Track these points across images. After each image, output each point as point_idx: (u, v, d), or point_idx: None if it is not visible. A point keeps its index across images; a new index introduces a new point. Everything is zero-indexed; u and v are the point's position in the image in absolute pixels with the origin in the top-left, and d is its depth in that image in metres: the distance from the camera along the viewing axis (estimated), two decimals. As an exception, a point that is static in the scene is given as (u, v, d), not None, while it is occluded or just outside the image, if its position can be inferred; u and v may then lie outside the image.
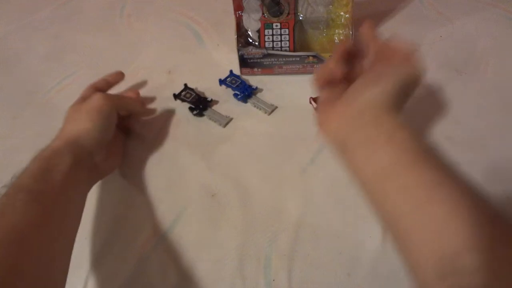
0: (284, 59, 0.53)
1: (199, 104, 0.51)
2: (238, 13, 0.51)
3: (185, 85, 0.53)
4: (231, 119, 0.51)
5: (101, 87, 0.49)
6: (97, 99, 0.43)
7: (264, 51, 0.52)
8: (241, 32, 0.52)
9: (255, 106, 0.52)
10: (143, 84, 0.57)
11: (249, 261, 0.40)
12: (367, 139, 0.30)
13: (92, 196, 0.44)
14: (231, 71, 0.54)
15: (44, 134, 0.52)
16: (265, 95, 0.53)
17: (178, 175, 0.46)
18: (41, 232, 0.32)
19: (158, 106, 0.53)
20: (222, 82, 0.53)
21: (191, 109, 0.51)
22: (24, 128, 0.53)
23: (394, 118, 0.30)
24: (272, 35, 0.52)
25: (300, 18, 0.52)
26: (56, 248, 0.33)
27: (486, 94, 0.52)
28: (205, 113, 0.51)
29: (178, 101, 0.53)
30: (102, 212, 0.44)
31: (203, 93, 0.54)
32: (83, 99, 0.45)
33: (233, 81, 0.53)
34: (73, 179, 0.37)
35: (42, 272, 0.30)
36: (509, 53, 0.56)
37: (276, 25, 0.51)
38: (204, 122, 0.51)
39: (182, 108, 0.53)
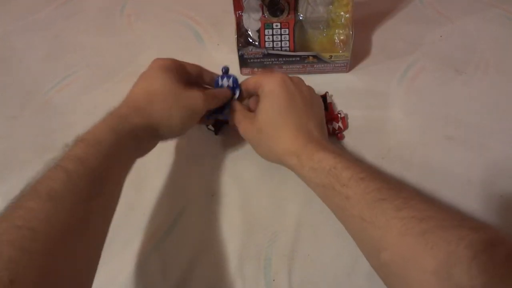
0: (284, 59, 0.53)
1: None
2: (238, 13, 0.51)
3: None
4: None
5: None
6: (160, 59, 0.41)
7: (264, 51, 0.52)
8: (241, 32, 0.52)
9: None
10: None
11: (249, 261, 0.40)
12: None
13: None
14: (224, 69, 0.47)
15: (44, 134, 0.52)
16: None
17: (178, 175, 0.46)
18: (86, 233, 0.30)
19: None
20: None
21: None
22: (24, 128, 0.53)
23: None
24: (272, 35, 0.52)
25: (300, 18, 0.52)
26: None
27: (486, 94, 0.52)
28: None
29: None
30: (102, 212, 0.44)
31: None
32: None
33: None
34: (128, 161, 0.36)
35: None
36: (509, 53, 0.56)
37: (276, 25, 0.51)
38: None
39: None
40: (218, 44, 0.61)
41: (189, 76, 0.43)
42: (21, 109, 0.55)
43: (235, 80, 0.45)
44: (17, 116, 0.54)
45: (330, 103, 0.50)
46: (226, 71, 0.46)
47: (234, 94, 0.45)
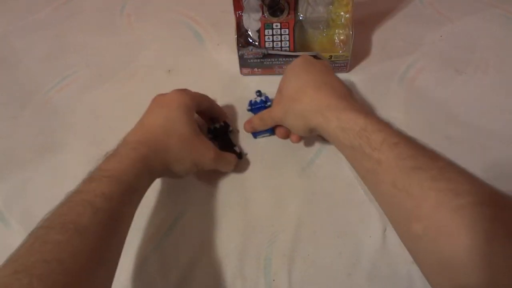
0: (284, 59, 0.53)
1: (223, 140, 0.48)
2: (238, 13, 0.51)
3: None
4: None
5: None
6: (181, 95, 0.42)
7: (264, 51, 0.52)
8: (241, 32, 0.52)
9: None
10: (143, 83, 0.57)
11: (249, 261, 0.40)
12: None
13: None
14: (258, 93, 0.51)
15: (44, 134, 0.52)
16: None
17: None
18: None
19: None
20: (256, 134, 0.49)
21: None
22: (24, 128, 0.53)
23: None
24: (272, 35, 0.52)
25: (300, 18, 0.52)
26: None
27: (486, 94, 0.52)
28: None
29: None
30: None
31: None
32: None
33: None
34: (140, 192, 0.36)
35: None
36: (509, 53, 0.56)
37: (276, 25, 0.51)
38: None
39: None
40: (218, 44, 0.61)
41: (200, 108, 0.45)
42: (21, 109, 0.55)
43: (267, 97, 0.50)
44: (17, 116, 0.54)
45: None
46: (260, 94, 0.51)
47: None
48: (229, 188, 0.45)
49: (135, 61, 0.60)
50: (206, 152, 0.40)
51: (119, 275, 0.39)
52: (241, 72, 0.56)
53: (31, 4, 0.71)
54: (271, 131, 0.47)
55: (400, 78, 0.54)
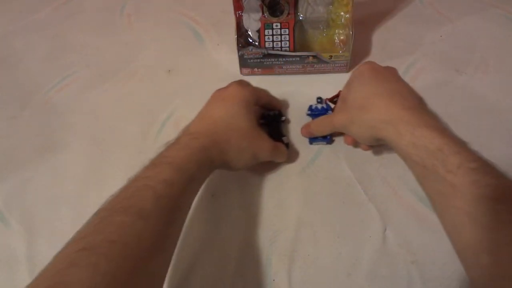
0: (284, 59, 0.53)
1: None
2: (238, 13, 0.51)
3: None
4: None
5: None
6: (242, 89, 0.42)
7: (264, 51, 0.52)
8: (241, 32, 0.52)
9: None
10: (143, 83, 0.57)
11: (249, 261, 0.40)
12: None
13: (92, 196, 0.44)
14: (320, 100, 0.51)
15: (44, 134, 0.52)
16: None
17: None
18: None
19: (158, 104, 0.53)
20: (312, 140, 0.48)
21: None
22: (24, 128, 0.53)
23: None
24: (272, 35, 0.52)
25: (300, 18, 0.52)
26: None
27: (486, 94, 0.52)
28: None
29: (173, 98, 0.53)
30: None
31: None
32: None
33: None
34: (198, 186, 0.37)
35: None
36: (509, 53, 0.56)
37: (276, 25, 0.51)
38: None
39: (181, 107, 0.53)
40: (218, 44, 0.61)
41: (259, 103, 0.46)
42: (21, 109, 0.55)
43: (328, 105, 0.50)
44: (17, 116, 0.54)
45: None
46: (321, 101, 0.51)
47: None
48: (229, 188, 0.45)
49: (135, 61, 0.60)
50: (264, 144, 0.42)
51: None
52: (241, 72, 0.56)
53: (31, 4, 0.71)
54: (329, 139, 0.47)
55: (400, 78, 0.54)
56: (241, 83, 0.44)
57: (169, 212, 0.31)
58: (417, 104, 0.37)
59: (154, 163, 0.34)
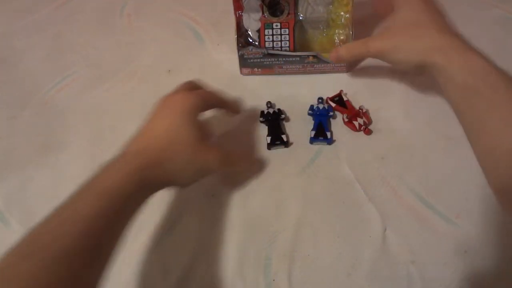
0: (284, 59, 0.53)
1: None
2: (238, 13, 0.51)
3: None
4: None
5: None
6: (186, 97, 0.39)
7: (264, 51, 0.52)
8: (241, 32, 0.52)
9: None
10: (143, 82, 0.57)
11: (249, 261, 0.40)
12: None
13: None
14: (321, 100, 0.51)
15: (44, 134, 0.52)
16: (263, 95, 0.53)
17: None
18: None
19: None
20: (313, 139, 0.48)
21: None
22: (24, 128, 0.53)
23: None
24: (272, 35, 0.52)
25: (300, 18, 0.52)
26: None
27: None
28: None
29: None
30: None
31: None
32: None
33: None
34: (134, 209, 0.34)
35: None
36: (509, 53, 0.56)
37: (276, 25, 0.51)
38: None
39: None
40: (218, 44, 0.61)
41: (209, 107, 0.43)
42: (21, 109, 0.55)
43: (330, 107, 0.50)
44: (17, 116, 0.54)
45: (347, 100, 0.50)
46: (322, 101, 0.50)
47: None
48: (229, 188, 0.45)
49: (135, 61, 0.60)
50: (211, 156, 0.39)
51: (119, 275, 0.40)
52: (241, 72, 0.56)
53: (31, 4, 0.71)
54: (330, 140, 0.47)
55: (400, 78, 0.54)
56: (189, 87, 0.42)
57: (90, 252, 0.29)
58: (455, 31, 0.40)
59: (84, 190, 0.31)
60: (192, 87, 0.43)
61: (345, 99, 0.50)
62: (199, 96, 0.40)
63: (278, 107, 0.50)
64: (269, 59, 0.53)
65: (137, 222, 0.42)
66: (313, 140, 0.47)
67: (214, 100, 0.44)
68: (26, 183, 0.47)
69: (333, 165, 0.46)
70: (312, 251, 0.40)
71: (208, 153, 0.38)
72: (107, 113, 0.54)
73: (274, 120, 0.49)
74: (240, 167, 0.43)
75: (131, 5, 0.69)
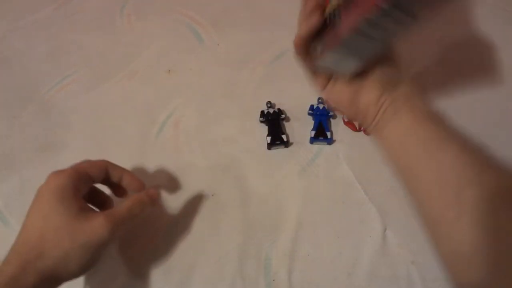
0: None
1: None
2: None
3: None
4: None
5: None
6: (55, 177, 0.35)
7: None
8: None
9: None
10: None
11: (249, 261, 0.40)
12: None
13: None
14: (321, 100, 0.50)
15: (44, 134, 0.52)
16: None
17: (178, 175, 0.46)
18: None
19: (158, 104, 0.53)
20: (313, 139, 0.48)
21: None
22: (24, 128, 0.53)
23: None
24: None
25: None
26: None
27: (486, 94, 0.52)
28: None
29: (173, 98, 0.52)
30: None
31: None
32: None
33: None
34: None
35: None
36: (509, 53, 0.56)
37: None
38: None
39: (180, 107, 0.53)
40: (218, 44, 0.61)
41: (92, 183, 0.38)
42: (21, 109, 0.55)
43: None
44: (17, 116, 0.54)
45: None
46: (322, 101, 0.50)
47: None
48: (229, 188, 0.45)
49: (135, 61, 0.60)
50: (94, 224, 0.33)
51: (118, 276, 0.40)
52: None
53: (31, 4, 0.71)
54: (330, 140, 0.47)
55: (400, 78, 0.54)
56: (57, 172, 0.36)
57: None
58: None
59: None
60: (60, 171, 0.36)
61: None
62: (69, 173, 0.35)
63: (278, 107, 0.50)
64: None
65: (137, 222, 0.43)
66: (313, 140, 0.47)
67: (93, 170, 0.38)
68: (26, 183, 0.47)
69: (333, 165, 0.46)
70: (312, 251, 0.40)
71: (90, 227, 0.33)
72: (107, 113, 0.54)
73: (274, 120, 0.49)
74: (141, 213, 0.37)
75: (131, 5, 0.69)
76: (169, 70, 0.58)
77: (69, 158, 0.49)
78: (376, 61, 0.34)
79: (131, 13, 0.68)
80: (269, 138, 0.47)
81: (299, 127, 0.49)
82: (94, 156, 0.50)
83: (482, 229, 0.27)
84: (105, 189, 0.41)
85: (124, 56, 0.61)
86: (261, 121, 0.49)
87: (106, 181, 0.39)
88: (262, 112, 0.50)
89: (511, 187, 0.29)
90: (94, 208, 0.37)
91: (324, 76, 0.39)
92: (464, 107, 0.49)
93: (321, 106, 0.50)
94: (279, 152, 0.48)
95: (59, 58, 0.61)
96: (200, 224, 0.43)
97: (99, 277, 0.40)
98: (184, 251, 0.41)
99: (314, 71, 0.39)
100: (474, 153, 0.31)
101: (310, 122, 0.49)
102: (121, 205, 0.36)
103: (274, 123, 0.49)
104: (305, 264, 0.39)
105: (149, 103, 0.54)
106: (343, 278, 0.38)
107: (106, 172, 0.39)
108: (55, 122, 0.53)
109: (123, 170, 0.40)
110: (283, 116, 0.50)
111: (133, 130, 0.51)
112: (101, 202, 0.40)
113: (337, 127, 0.49)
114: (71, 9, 0.70)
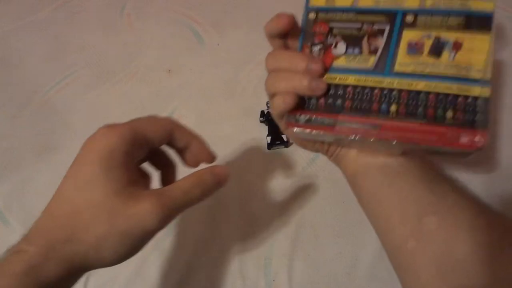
0: None
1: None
2: None
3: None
4: None
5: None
6: (104, 135, 0.28)
7: None
8: None
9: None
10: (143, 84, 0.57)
11: (249, 261, 0.40)
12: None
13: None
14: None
15: (44, 134, 0.52)
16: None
17: (178, 175, 0.46)
18: None
19: (158, 104, 0.53)
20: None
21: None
22: (24, 128, 0.53)
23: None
24: None
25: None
26: None
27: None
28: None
29: (173, 98, 0.52)
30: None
31: None
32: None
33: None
34: None
35: None
36: (509, 53, 0.56)
37: None
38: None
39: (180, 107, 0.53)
40: (218, 44, 0.61)
41: (151, 147, 0.29)
42: (21, 109, 0.55)
43: None
44: (17, 116, 0.54)
45: None
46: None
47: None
48: (229, 188, 0.45)
49: (135, 61, 0.60)
50: (142, 207, 0.25)
51: (118, 276, 0.40)
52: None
53: (31, 4, 0.71)
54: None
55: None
56: (109, 126, 0.29)
57: None
58: None
59: None
60: (114, 124, 0.29)
61: None
62: (125, 131, 0.28)
63: None
64: None
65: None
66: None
67: (152, 132, 0.29)
68: (26, 183, 0.47)
69: (333, 165, 0.46)
70: (312, 251, 0.40)
71: (136, 206, 0.25)
72: (107, 113, 0.54)
73: (274, 120, 0.49)
74: (199, 198, 0.29)
75: (131, 5, 0.69)
76: (169, 70, 0.58)
77: (69, 158, 0.49)
78: None
79: (131, 13, 0.68)
80: (269, 138, 0.47)
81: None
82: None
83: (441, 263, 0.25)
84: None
85: (124, 56, 0.61)
86: (261, 121, 0.49)
87: (171, 144, 0.31)
88: (262, 112, 0.50)
89: (476, 214, 0.27)
90: (147, 173, 0.31)
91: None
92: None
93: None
94: (279, 152, 0.48)
95: (59, 58, 0.61)
96: (200, 224, 0.43)
97: (100, 278, 0.40)
98: (184, 251, 0.41)
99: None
100: (433, 180, 0.29)
101: None
102: (176, 185, 0.28)
103: (274, 123, 0.49)
104: (305, 264, 0.39)
105: (149, 103, 0.54)
106: (343, 278, 0.38)
107: (171, 135, 0.30)
108: (55, 122, 0.53)
109: (192, 136, 0.31)
110: None
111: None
112: (162, 163, 0.33)
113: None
114: (71, 9, 0.70)
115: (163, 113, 0.52)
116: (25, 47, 0.64)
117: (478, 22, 0.26)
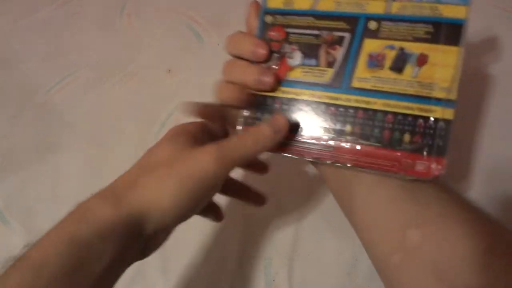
0: None
1: None
2: None
3: None
4: None
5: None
6: (181, 124, 0.31)
7: None
8: None
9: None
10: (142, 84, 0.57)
11: (249, 261, 0.40)
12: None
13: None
14: None
15: (44, 134, 0.52)
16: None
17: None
18: None
19: (158, 104, 0.53)
20: None
21: None
22: (24, 128, 0.53)
23: None
24: None
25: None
26: None
27: (486, 94, 0.52)
28: None
29: (173, 98, 0.53)
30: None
31: None
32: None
33: None
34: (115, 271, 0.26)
35: None
36: (509, 53, 0.56)
37: None
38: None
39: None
40: (218, 44, 0.61)
41: (215, 136, 0.32)
42: (21, 109, 0.55)
43: None
44: (17, 116, 0.54)
45: None
46: None
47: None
48: (229, 188, 0.45)
49: (135, 61, 0.60)
50: (199, 157, 0.26)
51: (119, 275, 0.40)
52: None
53: (31, 4, 0.71)
54: None
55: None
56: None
57: None
58: None
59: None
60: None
61: None
62: (196, 122, 0.32)
63: None
64: None
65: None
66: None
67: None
68: (26, 183, 0.47)
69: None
70: (312, 251, 0.40)
71: (194, 153, 0.26)
72: (107, 113, 0.54)
73: None
74: (261, 147, 0.29)
75: (131, 5, 0.69)
76: (169, 70, 0.58)
77: (69, 158, 0.50)
78: None
79: (131, 13, 0.68)
80: None
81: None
82: (94, 156, 0.50)
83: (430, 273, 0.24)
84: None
85: (124, 56, 0.61)
86: None
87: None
88: None
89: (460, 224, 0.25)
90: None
91: None
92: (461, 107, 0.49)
93: None
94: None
95: (59, 58, 0.61)
96: (200, 223, 0.42)
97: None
98: (184, 251, 0.41)
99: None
100: (416, 188, 0.26)
101: None
102: (233, 135, 0.29)
103: None
104: (305, 264, 0.39)
105: (149, 103, 0.54)
106: (343, 278, 0.38)
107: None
108: (55, 122, 0.53)
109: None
110: None
111: (133, 130, 0.51)
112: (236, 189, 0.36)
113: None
114: (71, 9, 0.70)
115: (163, 113, 0.52)
116: (25, 47, 0.64)
117: (447, 31, 0.24)
